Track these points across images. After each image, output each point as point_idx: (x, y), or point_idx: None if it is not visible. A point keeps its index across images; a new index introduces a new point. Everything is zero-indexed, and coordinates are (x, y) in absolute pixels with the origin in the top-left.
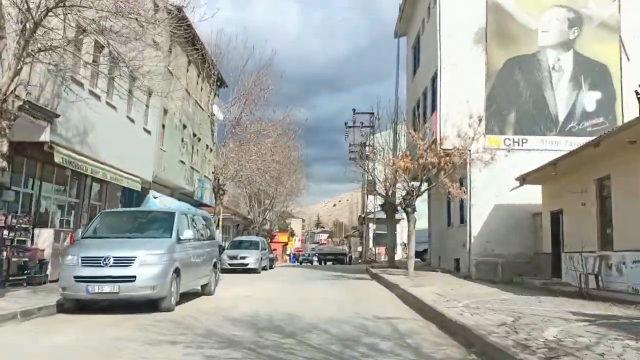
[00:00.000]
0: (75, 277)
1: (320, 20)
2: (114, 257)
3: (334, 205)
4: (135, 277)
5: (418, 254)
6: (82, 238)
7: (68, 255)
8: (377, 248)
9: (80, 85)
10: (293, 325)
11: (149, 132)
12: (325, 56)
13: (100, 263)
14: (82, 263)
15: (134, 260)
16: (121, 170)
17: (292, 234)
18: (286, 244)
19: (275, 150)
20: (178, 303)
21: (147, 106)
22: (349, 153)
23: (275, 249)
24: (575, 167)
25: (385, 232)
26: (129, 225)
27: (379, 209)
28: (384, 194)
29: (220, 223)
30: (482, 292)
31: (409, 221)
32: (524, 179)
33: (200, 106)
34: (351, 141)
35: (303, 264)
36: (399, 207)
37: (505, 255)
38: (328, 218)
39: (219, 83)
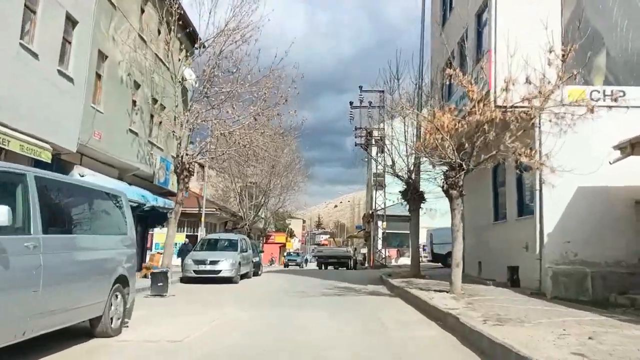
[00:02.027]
0: None
1: (326, 22)
2: None
3: (335, 206)
4: None
5: (441, 258)
6: None
7: None
8: (387, 250)
9: None
10: None
11: (70, 80)
12: (331, 57)
13: None
14: None
15: None
16: (7, 127)
17: (291, 235)
18: (284, 245)
19: (260, 118)
20: None
21: (67, 41)
22: (355, 138)
23: (263, 251)
24: None
25: (397, 232)
26: None
27: (392, 203)
28: (406, 177)
29: (203, 220)
30: None
31: (453, 210)
32: (632, 146)
33: (162, 62)
34: (357, 124)
35: (290, 266)
36: (426, 195)
37: (596, 262)
38: (329, 219)
39: (184, 28)
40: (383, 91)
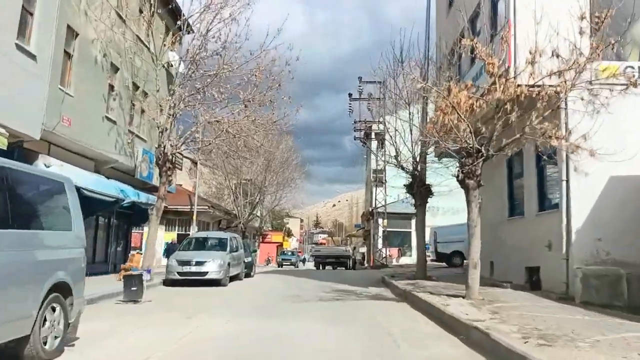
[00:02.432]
0: None
1: (325, 21)
2: None
3: (334, 205)
4: None
5: (445, 257)
6: None
7: None
8: (388, 249)
9: None
10: None
11: (31, 56)
12: (330, 57)
13: None
14: None
15: None
16: None
17: (289, 234)
18: (281, 244)
19: (251, 105)
20: None
21: (28, 12)
22: (354, 132)
23: (257, 250)
24: None
25: (398, 230)
26: None
27: (394, 200)
28: (412, 168)
29: (194, 218)
30: None
31: (470, 202)
32: None
33: (144, 44)
34: (356, 117)
35: (284, 266)
36: (432, 189)
37: (631, 262)
38: (327, 218)
39: (167, 3)
40: (384, 81)
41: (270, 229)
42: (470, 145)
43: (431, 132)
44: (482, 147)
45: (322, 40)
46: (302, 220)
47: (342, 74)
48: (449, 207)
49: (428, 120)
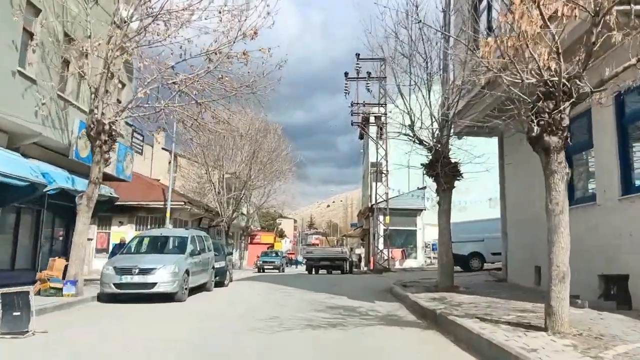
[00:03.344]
0: None
1: (320, 21)
2: None
3: (328, 206)
4: None
5: (461, 260)
6: None
7: None
8: (390, 251)
9: None
10: None
11: None
12: (325, 57)
13: None
14: None
15: None
16: None
17: (281, 235)
18: (272, 245)
19: (217, 58)
20: None
21: None
22: (351, 116)
23: (232, 253)
24: None
25: (401, 228)
26: None
27: (397, 194)
28: (433, 142)
29: (168, 215)
30: None
31: (551, 173)
32: None
33: None
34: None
35: (266, 270)
36: (461, 168)
37: None
38: (321, 219)
39: None
40: (384, 59)
41: (259, 228)
42: (554, 79)
43: (487, 57)
44: (575, 81)
45: (318, 40)
46: (295, 221)
47: (337, 74)
48: (456, 202)
49: (480, 39)
